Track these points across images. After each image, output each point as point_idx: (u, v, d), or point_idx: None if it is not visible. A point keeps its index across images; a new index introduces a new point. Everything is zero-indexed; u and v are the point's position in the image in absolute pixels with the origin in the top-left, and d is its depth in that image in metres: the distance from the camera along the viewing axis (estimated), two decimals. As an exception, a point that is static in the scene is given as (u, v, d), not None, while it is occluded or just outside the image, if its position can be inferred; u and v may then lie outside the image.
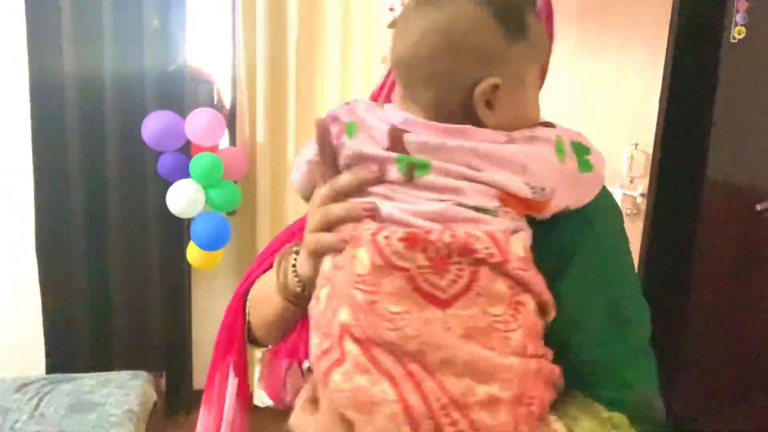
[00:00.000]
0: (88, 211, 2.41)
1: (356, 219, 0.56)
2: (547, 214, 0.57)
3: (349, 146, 0.58)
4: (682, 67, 2.22)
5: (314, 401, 0.59)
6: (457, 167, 0.55)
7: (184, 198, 2.28)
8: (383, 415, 0.51)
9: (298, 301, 0.66)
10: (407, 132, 0.56)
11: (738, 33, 2.26)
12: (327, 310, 0.56)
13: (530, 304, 0.55)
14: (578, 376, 0.59)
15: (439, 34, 0.55)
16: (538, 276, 0.56)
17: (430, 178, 0.55)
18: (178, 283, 2.56)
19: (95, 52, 2.31)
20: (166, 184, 2.32)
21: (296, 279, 0.64)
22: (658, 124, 2.06)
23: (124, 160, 2.40)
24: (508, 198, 0.55)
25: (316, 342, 0.58)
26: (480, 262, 0.53)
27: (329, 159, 0.59)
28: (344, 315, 0.54)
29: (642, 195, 2.12)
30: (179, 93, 2.42)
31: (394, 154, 0.56)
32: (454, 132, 0.56)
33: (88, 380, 2.09)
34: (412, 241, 0.53)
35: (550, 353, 0.57)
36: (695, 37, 2.35)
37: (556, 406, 0.58)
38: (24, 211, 2.38)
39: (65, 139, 2.34)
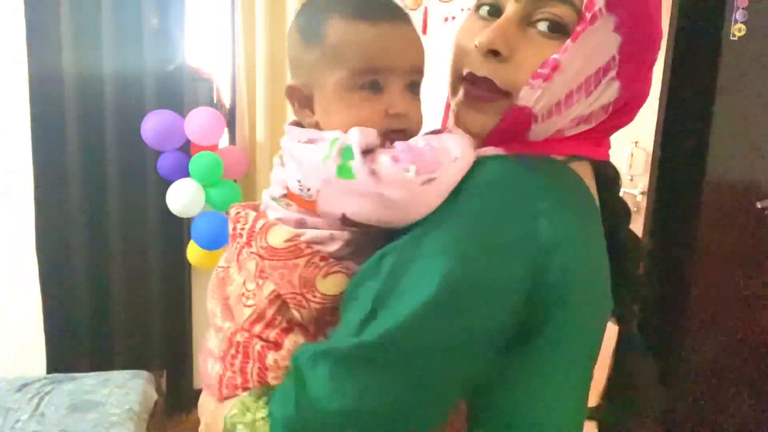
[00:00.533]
0: (89, 211, 2.41)
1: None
2: (326, 215, 0.56)
3: None
4: (682, 65, 2.22)
5: None
6: (276, 161, 0.64)
7: (184, 197, 2.27)
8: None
9: None
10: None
11: (738, 31, 2.26)
12: None
13: (266, 290, 0.59)
14: None
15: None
16: (288, 271, 0.57)
17: (273, 172, 0.65)
18: (178, 282, 2.56)
19: (94, 52, 2.31)
20: (166, 184, 2.32)
21: None
22: (658, 122, 2.05)
23: (124, 159, 2.40)
24: (288, 191, 0.60)
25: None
26: (242, 243, 0.62)
27: None
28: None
29: (642, 193, 2.12)
30: (178, 92, 2.42)
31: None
32: (286, 131, 0.64)
33: (88, 380, 2.09)
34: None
35: (286, 346, 0.58)
36: (695, 35, 2.35)
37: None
38: (24, 212, 2.38)
39: (65, 139, 2.34)
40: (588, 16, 0.55)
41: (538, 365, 0.54)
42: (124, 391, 2.01)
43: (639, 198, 2.14)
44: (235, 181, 2.48)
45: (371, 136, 0.56)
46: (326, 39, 0.58)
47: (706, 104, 2.33)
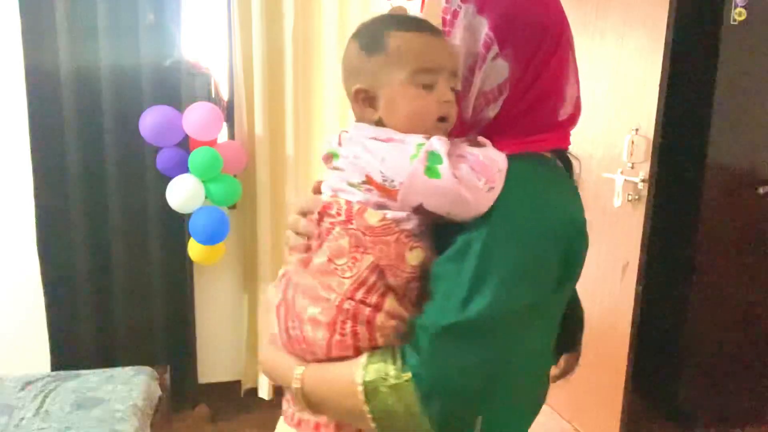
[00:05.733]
0: (89, 208, 2.41)
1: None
2: (402, 203, 0.70)
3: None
4: (682, 51, 2.20)
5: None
6: (347, 154, 0.74)
7: (183, 193, 2.27)
8: (276, 320, 0.78)
9: None
10: (345, 132, 0.78)
11: (738, 15, 2.24)
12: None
13: (366, 261, 0.71)
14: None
15: (341, 65, 0.80)
16: (385, 246, 0.70)
17: (338, 162, 0.76)
18: (180, 277, 2.56)
19: (91, 47, 2.30)
20: (166, 180, 2.31)
21: None
22: (658, 109, 2.04)
23: (123, 155, 2.39)
24: (370, 179, 0.71)
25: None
26: (336, 222, 0.73)
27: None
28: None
29: (643, 180, 2.11)
30: (176, 87, 2.41)
31: (333, 149, 0.78)
32: (355, 128, 0.77)
33: (92, 377, 2.09)
34: (323, 208, 0.76)
35: (388, 308, 0.71)
36: (695, 20, 2.33)
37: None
38: (24, 209, 2.38)
39: (63, 136, 2.34)
40: (448, 17, 0.76)
41: (555, 310, 0.75)
42: (128, 388, 2.01)
43: (640, 186, 2.13)
44: (234, 176, 2.47)
45: (448, 144, 0.70)
46: (389, 48, 0.74)
47: (707, 90, 2.32)
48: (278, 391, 2.72)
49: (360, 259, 0.71)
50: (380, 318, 0.71)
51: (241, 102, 2.51)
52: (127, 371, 2.14)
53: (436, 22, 0.78)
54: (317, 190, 0.80)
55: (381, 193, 0.71)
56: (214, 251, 2.42)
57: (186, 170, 2.30)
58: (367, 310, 0.71)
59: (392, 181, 0.69)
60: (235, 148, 2.47)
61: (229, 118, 2.59)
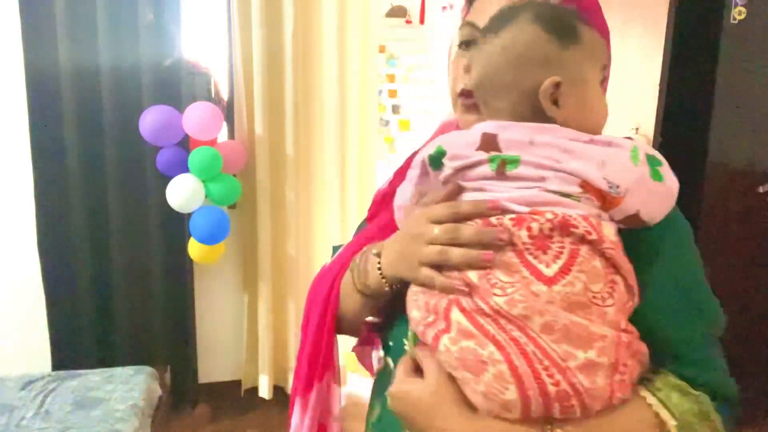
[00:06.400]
0: (89, 207, 2.41)
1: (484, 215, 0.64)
2: (618, 212, 0.63)
3: (448, 164, 0.68)
4: (683, 49, 2.21)
5: (417, 369, 0.67)
6: (542, 159, 0.62)
7: (184, 192, 2.27)
8: (491, 374, 0.59)
9: (380, 297, 0.76)
10: (498, 134, 0.65)
11: (738, 14, 2.24)
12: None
13: (621, 284, 0.62)
14: (656, 356, 0.64)
15: (505, 52, 0.67)
16: (627, 261, 0.63)
17: (519, 170, 0.63)
18: (180, 277, 2.56)
19: (90, 47, 2.30)
20: (166, 179, 2.31)
21: (383, 279, 0.73)
22: (658, 107, 2.04)
23: (123, 155, 2.39)
24: (587, 186, 0.61)
25: (417, 315, 0.66)
26: (580, 240, 0.60)
27: (432, 182, 0.71)
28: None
29: (643, 179, 2.11)
30: (176, 87, 2.41)
31: (485, 154, 0.64)
32: (542, 129, 0.64)
33: (92, 376, 2.10)
34: (519, 219, 0.61)
35: (637, 333, 0.63)
36: (695, 18, 2.33)
37: (642, 383, 0.64)
38: (24, 209, 2.38)
39: (63, 136, 2.34)
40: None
41: None
42: (128, 387, 2.02)
43: (640, 185, 2.12)
44: (234, 175, 2.47)
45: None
46: (584, 40, 0.66)
47: (707, 88, 2.32)
48: (278, 391, 2.72)
49: (618, 282, 0.62)
50: (637, 342, 0.62)
51: (241, 101, 2.51)
52: (128, 371, 2.14)
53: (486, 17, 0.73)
54: (495, 208, 0.63)
55: (598, 202, 0.62)
56: (214, 251, 2.42)
57: (186, 170, 2.30)
58: (635, 338, 0.62)
59: (617, 187, 0.61)
60: (234, 147, 2.47)
61: (229, 117, 2.59)
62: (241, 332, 2.72)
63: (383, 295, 0.74)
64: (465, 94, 0.75)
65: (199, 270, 2.61)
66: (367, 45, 2.58)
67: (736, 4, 2.23)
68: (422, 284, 0.67)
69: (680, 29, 2.04)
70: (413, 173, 0.72)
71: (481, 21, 0.73)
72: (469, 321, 0.60)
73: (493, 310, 0.59)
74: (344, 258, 0.84)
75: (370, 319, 0.82)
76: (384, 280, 0.73)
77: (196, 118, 2.27)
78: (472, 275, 0.62)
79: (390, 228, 0.79)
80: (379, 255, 0.74)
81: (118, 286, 2.49)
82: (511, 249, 0.61)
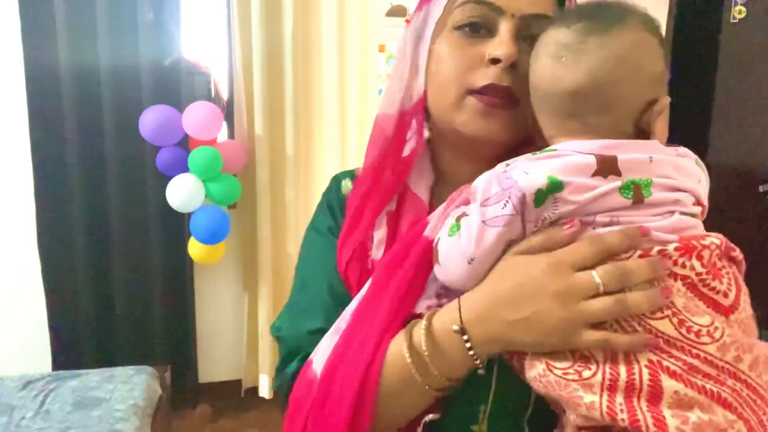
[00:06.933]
0: (89, 208, 2.41)
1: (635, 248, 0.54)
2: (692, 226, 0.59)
3: (567, 198, 0.55)
4: (682, 48, 2.20)
5: None
6: (668, 180, 0.56)
7: (183, 192, 2.27)
8: None
9: (455, 388, 0.60)
10: (617, 155, 0.55)
11: (738, 13, 2.24)
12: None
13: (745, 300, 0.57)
14: None
15: (620, 61, 0.57)
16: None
17: (654, 195, 0.55)
18: (180, 277, 2.56)
19: (90, 47, 2.30)
20: (166, 179, 2.31)
21: (476, 361, 0.57)
22: (658, 107, 2.04)
23: (123, 155, 2.39)
24: (698, 204, 0.59)
25: (591, 400, 0.52)
26: (736, 264, 0.57)
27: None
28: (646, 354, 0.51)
29: (643, 179, 2.11)
30: (176, 87, 2.41)
31: (617, 181, 0.54)
32: (653, 146, 0.58)
33: (93, 376, 2.09)
34: (687, 248, 0.53)
35: None
36: (695, 17, 2.33)
37: None
38: (24, 209, 2.38)
39: (63, 135, 2.34)
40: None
41: None
42: (128, 387, 2.02)
43: (640, 184, 2.12)
44: (234, 175, 2.47)
45: None
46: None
47: (707, 87, 2.32)
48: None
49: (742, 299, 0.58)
50: None
51: (241, 101, 2.51)
52: (128, 371, 2.14)
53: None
54: (646, 234, 0.54)
55: (695, 218, 0.58)
56: (215, 250, 2.42)
57: (186, 170, 2.30)
58: None
59: (704, 201, 0.59)
60: (234, 147, 2.47)
61: (229, 117, 2.59)
62: (242, 332, 2.72)
63: (460, 383, 0.59)
64: (501, 94, 0.63)
65: (199, 270, 2.61)
66: (366, 44, 2.58)
67: (736, 3, 2.23)
68: (584, 353, 0.52)
69: (680, 29, 2.04)
70: (502, 213, 0.55)
71: (530, 5, 0.63)
72: (688, 386, 0.50)
73: (706, 362, 0.50)
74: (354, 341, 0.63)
75: (430, 417, 0.62)
76: (478, 362, 0.57)
77: (196, 117, 2.27)
78: (660, 324, 0.51)
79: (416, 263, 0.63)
80: (463, 332, 0.57)
81: (119, 286, 2.49)
82: (684, 282, 0.53)
